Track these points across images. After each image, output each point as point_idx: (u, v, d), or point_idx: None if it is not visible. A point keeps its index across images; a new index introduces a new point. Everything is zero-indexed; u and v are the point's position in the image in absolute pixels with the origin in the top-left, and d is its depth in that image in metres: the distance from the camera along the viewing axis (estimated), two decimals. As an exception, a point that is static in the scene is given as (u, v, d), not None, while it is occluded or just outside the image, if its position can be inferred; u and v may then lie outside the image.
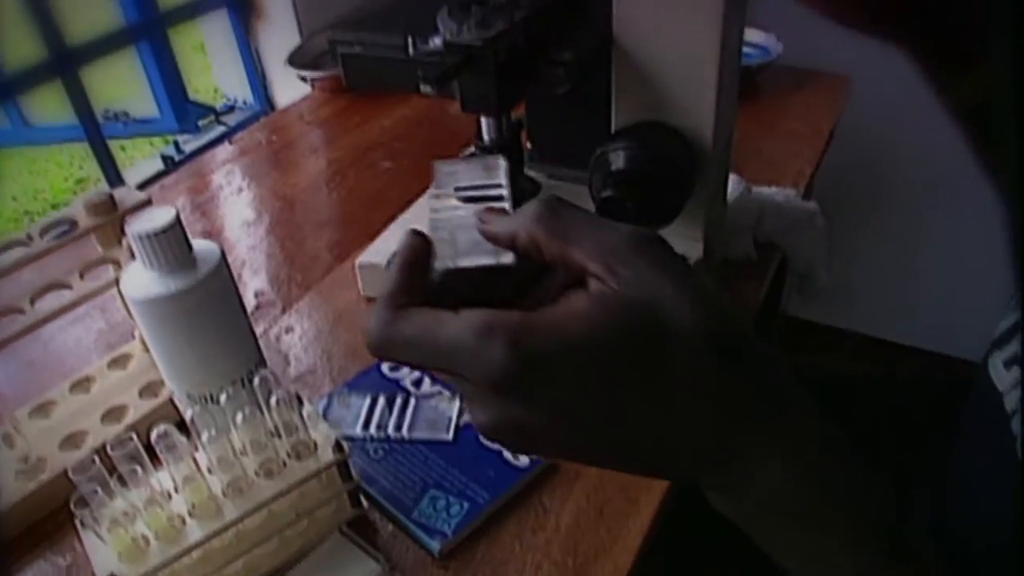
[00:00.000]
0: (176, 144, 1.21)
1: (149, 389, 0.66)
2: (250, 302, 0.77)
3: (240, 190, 0.97)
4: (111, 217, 0.61)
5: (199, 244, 0.53)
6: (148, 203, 0.62)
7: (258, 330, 0.73)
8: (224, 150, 1.07)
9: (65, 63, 1.01)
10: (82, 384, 0.68)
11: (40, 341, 0.74)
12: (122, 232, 0.64)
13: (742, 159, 0.87)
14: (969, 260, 1.53)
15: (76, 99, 1.04)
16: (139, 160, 2.06)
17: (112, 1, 1.18)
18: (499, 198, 0.33)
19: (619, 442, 0.30)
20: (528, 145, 0.73)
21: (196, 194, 0.97)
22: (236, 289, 0.54)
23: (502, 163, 0.35)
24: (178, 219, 0.50)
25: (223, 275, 0.52)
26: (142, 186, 1.15)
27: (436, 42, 0.55)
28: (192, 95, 1.35)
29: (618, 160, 0.57)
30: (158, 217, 0.50)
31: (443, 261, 0.31)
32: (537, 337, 0.28)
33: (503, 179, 0.34)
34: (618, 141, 0.58)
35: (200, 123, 1.36)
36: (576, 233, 0.29)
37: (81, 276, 0.60)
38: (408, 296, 0.30)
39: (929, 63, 0.40)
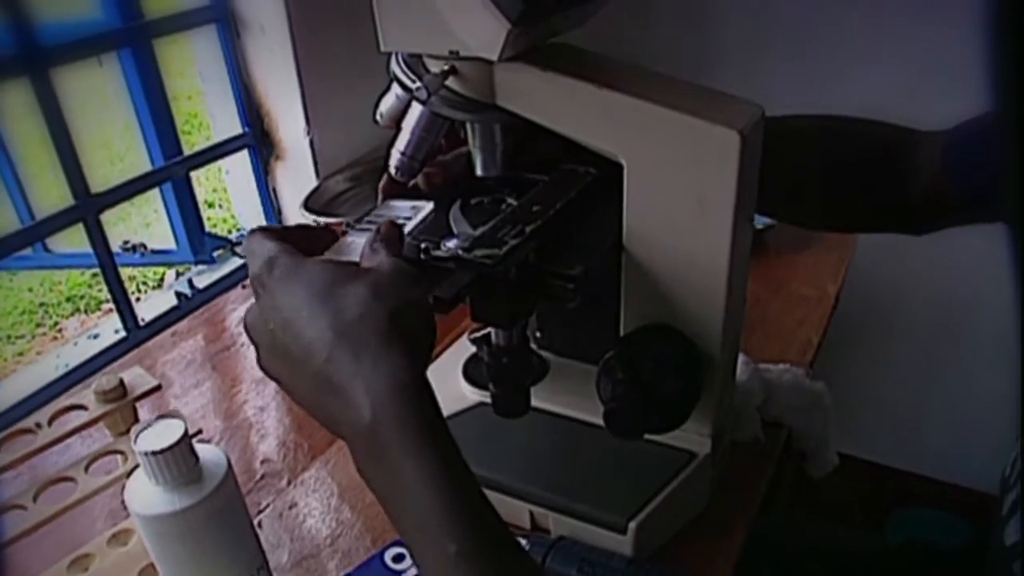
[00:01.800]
0: (190, 282, 1.23)
1: (149, 571, 0.65)
2: (256, 471, 0.76)
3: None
4: (121, 403, 0.62)
5: (206, 453, 0.53)
6: (158, 388, 0.62)
7: (262, 504, 0.72)
8: (237, 294, 1.08)
9: (88, 208, 1.05)
10: (80, 562, 0.67)
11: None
12: (133, 418, 0.64)
13: (749, 325, 0.88)
14: (980, 393, 1.52)
15: (96, 241, 1.07)
16: (150, 280, 2.11)
17: (140, 144, 1.23)
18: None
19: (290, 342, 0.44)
20: (537, 333, 0.74)
21: (208, 342, 0.98)
22: (241, 497, 0.54)
23: (428, 206, 0.57)
24: (186, 433, 0.50)
25: (229, 487, 0.52)
26: (154, 323, 1.16)
27: (449, 246, 0.56)
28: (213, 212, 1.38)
29: (625, 369, 0.57)
30: (165, 432, 0.50)
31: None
32: (288, 259, 0.45)
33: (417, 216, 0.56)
34: (625, 347, 0.59)
35: (216, 254, 1.38)
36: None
37: (87, 468, 0.60)
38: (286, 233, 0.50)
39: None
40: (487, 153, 0.61)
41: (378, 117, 0.66)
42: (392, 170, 0.61)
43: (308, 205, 1.22)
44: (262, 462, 0.78)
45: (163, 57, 1.27)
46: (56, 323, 2.45)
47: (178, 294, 1.22)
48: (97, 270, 1.11)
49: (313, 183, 1.30)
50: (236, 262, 1.38)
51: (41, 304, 2.47)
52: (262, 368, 0.48)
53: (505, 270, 0.51)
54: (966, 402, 1.70)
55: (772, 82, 1.52)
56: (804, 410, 0.77)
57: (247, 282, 1.11)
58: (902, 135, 0.65)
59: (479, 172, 0.62)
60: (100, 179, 1.08)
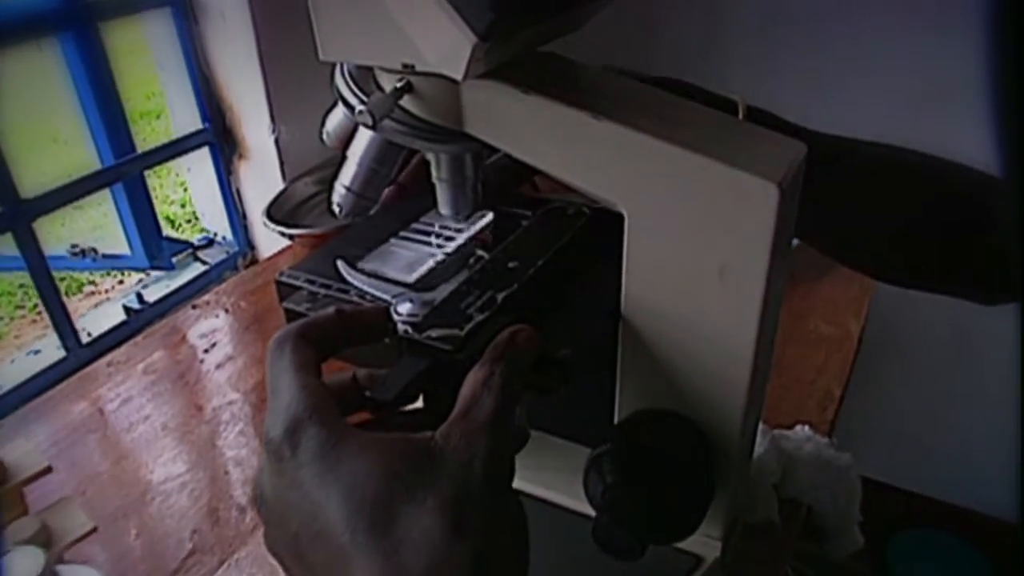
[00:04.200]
0: (139, 295, 1.11)
1: None
2: (184, 546, 0.65)
3: (198, 373, 0.86)
4: (1, 490, 0.50)
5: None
6: (47, 471, 0.51)
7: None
8: (190, 315, 0.96)
9: (17, 216, 0.92)
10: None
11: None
12: (21, 505, 0.52)
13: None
14: (989, 412, 1.43)
15: (28, 253, 0.95)
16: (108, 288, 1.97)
17: (88, 143, 1.10)
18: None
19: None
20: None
21: (150, 373, 0.86)
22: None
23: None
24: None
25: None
26: (99, 341, 1.04)
27: (400, 312, 0.45)
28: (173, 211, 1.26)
29: (619, 469, 0.46)
30: (23, 563, 0.38)
31: None
32: (324, 432, 0.31)
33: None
34: (620, 439, 0.47)
35: (175, 259, 1.26)
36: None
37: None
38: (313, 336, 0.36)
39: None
40: (455, 189, 0.49)
41: (324, 136, 0.54)
42: (335, 208, 0.49)
43: (271, 213, 1.09)
44: (192, 532, 0.66)
45: (119, 45, 1.15)
46: (35, 305, 2.31)
47: (127, 308, 1.10)
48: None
49: (280, 185, 1.17)
50: (197, 268, 1.27)
51: (21, 285, 2.33)
52: (269, 550, 0.34)
53: (467, 358, 0.39)
54: (973, 420, 1.61)
55: (780, 87, 1.40)
56: (827, 486, 0.66)
57: (202, 299, 0.99)
58: (987, 181, 0.53)
59: (444, 211, 0.50)
60: (50, 175, 0.95)
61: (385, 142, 0.47)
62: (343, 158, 0.49)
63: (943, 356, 1.61)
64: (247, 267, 1.25)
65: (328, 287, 0.49)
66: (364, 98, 0.45)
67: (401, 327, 0.43)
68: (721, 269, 0.41)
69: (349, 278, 0.49)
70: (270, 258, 1.11)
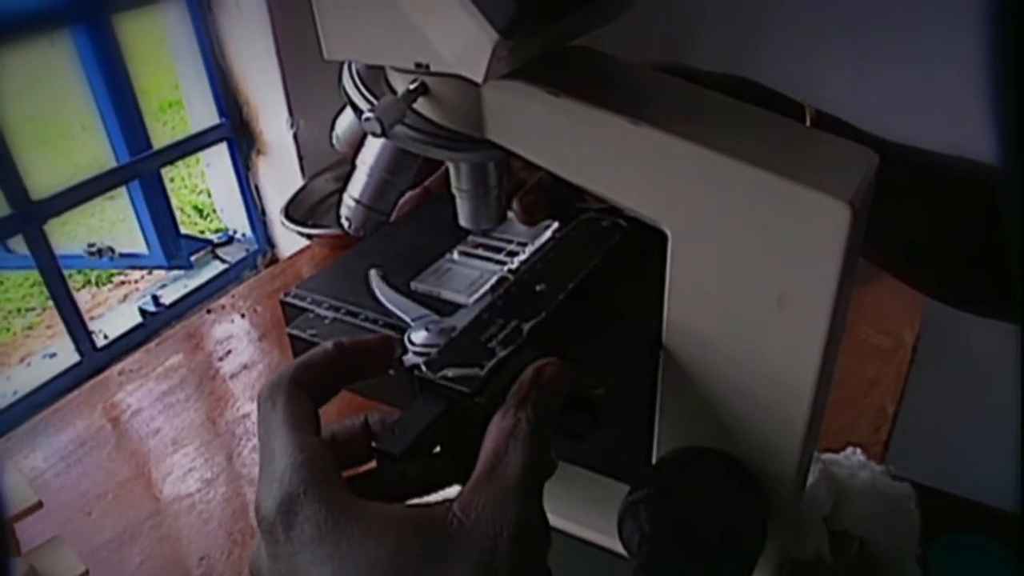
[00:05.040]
0: (155, 298, 1.07)
1: None
2: (191, 572, 0.61)
3: (211, 383, 0.82)
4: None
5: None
6: (38, 506, 0.47)
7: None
8: (205, 320, 0.93)
9: (27, 218, 0.89)
10: None
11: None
12: (10, 537, 0.49)
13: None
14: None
15: (40, 255, 0.92)
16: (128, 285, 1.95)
17: (102, 138, 1.07)
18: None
19: None
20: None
21: (162, 383, 0.83)
22: None
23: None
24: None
25: None
26: (113, 345, 1.02)
27: (421, 337, 0.40)
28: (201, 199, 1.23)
29: (657, 517, 0.41)
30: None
31: None
32: (323, 508, 0.26)
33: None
34: (659, 481, 0.42)
35: (193, 258, 1.23)
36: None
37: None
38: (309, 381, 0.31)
39: None
40: (477, 200, 0.44)
41: (334, 140, 0.49)
42: (343, 222, 0.45)
43: (290, 211, 1.05)
44: (201, 559, 0.62)
45: (141, 34, 1.11)
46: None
47: (142, 311, 1.07)
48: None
49: (299, 182, 1.13)
50: (216, 267, 1.23)
51: (35, 284, 2.34)
52: None
53: (488, 401, 0.34)
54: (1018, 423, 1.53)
55: (822, 84, 1.32)
56: (883, 519, 0.60)
57: (217, 303, 0.96)
58: None
59: (464, 224, 0.45)
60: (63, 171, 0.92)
61: (398, 150, 0.42)
62: (352, 166, 0.45)
63: (993, 358, 1.54)
64: (267, 266, 1.21)
65: (337, 309, 0.44)
66: (374, 101, 0.40)
67: (413, 359, 0.38)
68: (780, 298, 0.36)
69: (381, 296, 0.44)
70: (289, 258, 1.08)
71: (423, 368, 0.35)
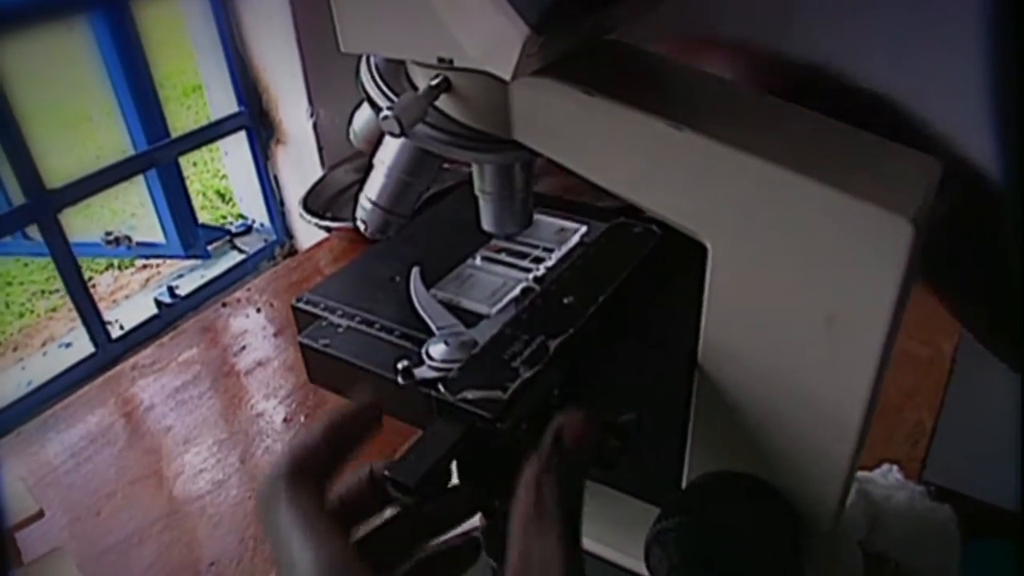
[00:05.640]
0: (171, 289, 1.06)
1: None
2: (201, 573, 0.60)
3: (225, 380, 0.81)
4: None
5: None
6: (39, 516, 0.45)
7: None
8: (220, 313, 0.91)
9: (41, 208, 0.88)
10: None
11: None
12: (11, 547, 0.47)
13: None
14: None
15: (55, 245, 0.91)
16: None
17: (120, 125, 1.06)
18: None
19: None
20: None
21: (175, 378, 0.81)
22: None
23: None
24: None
25: None
26: (129, 336, 1.00)
27: (440, 352, 0.38)
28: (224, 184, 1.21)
29: (688, 549, 0.38)
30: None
31: None
32: None
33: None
34: (690, 508, 0.40)
35: (211, 248, 1.22)
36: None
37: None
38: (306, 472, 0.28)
39: None
40: (502, 203, 0.42)
41: (351, 136, 0.47)
42: (359, 224, 0.42)
43: (309, 202, 1.03)
44: (210, 565, 0.61)
45: (163, 20, 1.09)
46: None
47: (158, 302, 1.05)
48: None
49: (319, 172, 1.11)
50: (235, 257, 1.22)
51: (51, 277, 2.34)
52: None
53: (511, 427, 0.32)
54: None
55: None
56: (921, 542, 0.57)
57: (233, 296, 0.94)
58: None
59: (488, 228, 0.43)
60: (80, 158, 0.91)
61: (418, 150, 0.39)
62: (369, 165, 0.42)
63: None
64: (284, 257, 1.20)
65: (351, 317, 0.42)
66: (393, 98, 0.38)
67: (427, 372, 0.36)
68: (829, 319, 0.33)
69: (416, 298, 0.42)
70: (307, 251, 1.06)
71: (441, 389, 0.33)
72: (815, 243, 0.32)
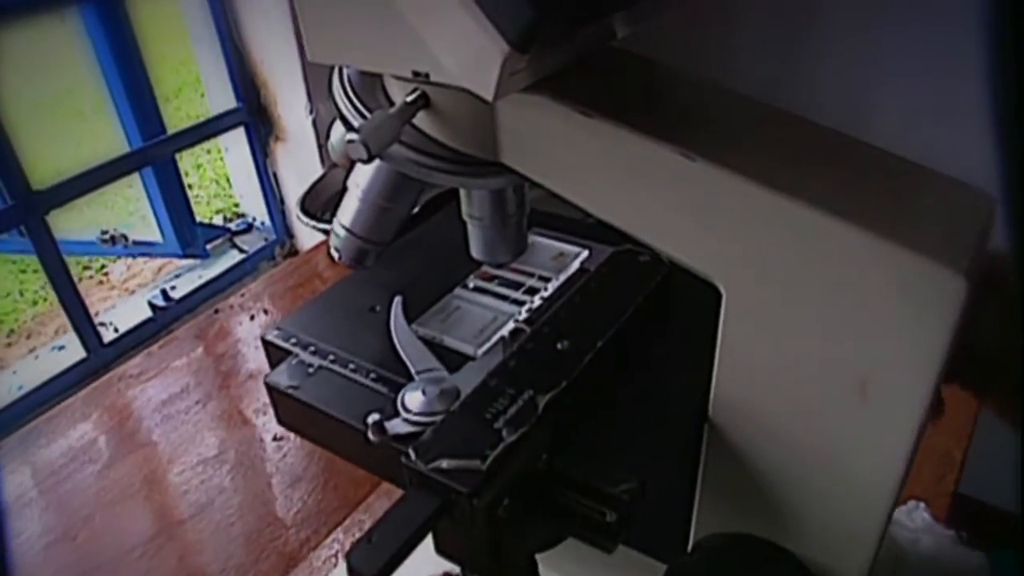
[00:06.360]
0: (164, 292, 1.02)
1: None
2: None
3: (215, 394, 0.77)
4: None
5: None
6: None
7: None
8: (213, 319, 0.88)
9: (27, 210, 0.84)
10: None
11: None
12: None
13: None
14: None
15: (43, 248, 0.87)
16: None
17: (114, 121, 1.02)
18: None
19: None
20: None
21: (164, 390, 0.78)
22: None
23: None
24: None
25: None
26: (121, 340, 0.97)
27: (416, 403, 0.34)
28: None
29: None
30: None
31: None
32: None
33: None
34: (696, 571, 0.35)
35: (209, 246, 1.18)
36: None
37: None
38: None
39: None
40: (493, 230, 0.37)
41: (329, 149, 0.43)
42: (333, 253, 0.38)
43: (307, 203, 0.99)
44: (194, 592, 0.57)
45: (161, 13, 1.05)
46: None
47: (152, 305, 1.02)
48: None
49: (319, 170, 1.07)
50: (234, 256, 1.18)
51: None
52: None
53: (489, 504, 0.27)
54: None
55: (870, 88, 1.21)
56: (953, 591, 0.53)
57: (225, 303, 0.90)
58: None
59: (479, 256, 0.38)
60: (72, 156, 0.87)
61: (397, 173, 0.35)
62: (343, 188, 0.38)
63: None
64: (284, 257, 1.16)
65: (324, 355, 0.38)
66: (368, 115, 0.33)
67: (400, 426, 0.32)
68: (862, 383, 0.28)
69: (395, 335, 0.38)
70: (306, 253, 1.02)
71: (412, 456, 0.28)
72: (849, 295, 0.27)
